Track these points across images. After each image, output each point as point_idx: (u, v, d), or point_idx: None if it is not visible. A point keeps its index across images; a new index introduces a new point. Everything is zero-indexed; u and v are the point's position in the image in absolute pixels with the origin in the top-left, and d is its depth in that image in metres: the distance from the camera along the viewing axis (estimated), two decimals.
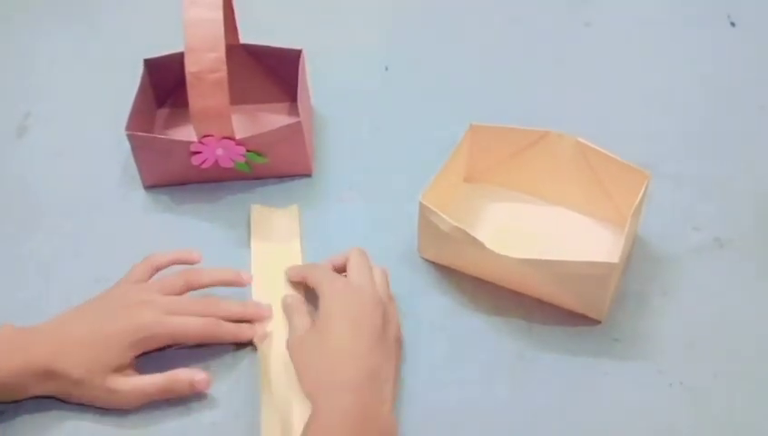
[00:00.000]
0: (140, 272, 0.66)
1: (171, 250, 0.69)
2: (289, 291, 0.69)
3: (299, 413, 0.59)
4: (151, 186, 0.80)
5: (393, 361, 0.61)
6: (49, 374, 0.60)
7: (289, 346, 0.62)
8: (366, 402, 0.56)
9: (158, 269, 0.67)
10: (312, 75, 0.86)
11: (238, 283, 0.67)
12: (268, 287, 0.70)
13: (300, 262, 0.72)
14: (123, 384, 0.61)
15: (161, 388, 0.61)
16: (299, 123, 0.76)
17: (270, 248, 0.73)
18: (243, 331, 0.65)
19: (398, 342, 0.63)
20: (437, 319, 0.68)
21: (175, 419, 0.62)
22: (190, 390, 0.62)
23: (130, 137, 0.76)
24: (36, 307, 0.70)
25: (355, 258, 0.66)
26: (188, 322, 0.63)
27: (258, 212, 0.76)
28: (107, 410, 0.61)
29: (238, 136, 0.74)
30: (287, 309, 0.66)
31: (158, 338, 0.63)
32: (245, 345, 0.66)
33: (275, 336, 0.66)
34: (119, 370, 0.61)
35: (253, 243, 0.74)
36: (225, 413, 0.62)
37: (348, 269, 0.66)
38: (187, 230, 0.77)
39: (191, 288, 0.66)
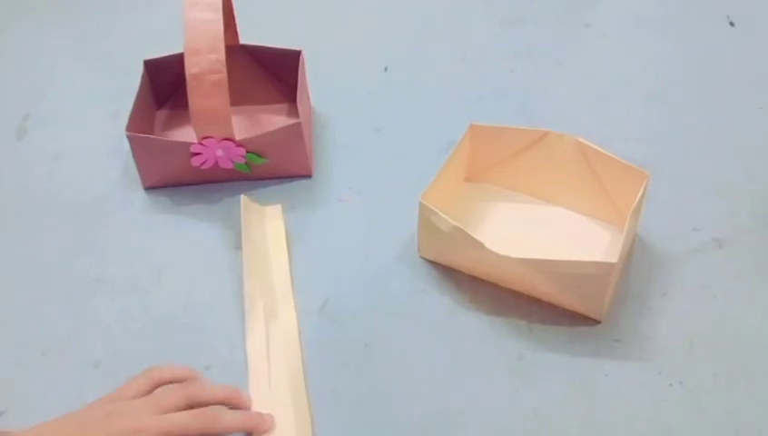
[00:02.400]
0: (138, 388, 0.58)
1: (170, 366, 0.61)
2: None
3: None
4: (150, 187, 0.80)
5: None
6: None
7: None
8: None
9: (158, 385, 0.59)
10: (312, 76, 0.87)
11: (237, 404, 0.61)
12: (256, 291, 0.70)
13: (285, 259, 0.72)
14: None
15: None
16: (298, 124, 0.76)
17: (257, 249, 0.73)
18: (253, 422, 0.60)
19: None
20: (436, 319, 0.68)
21: None
22: None
23: (130, 138, 0.76)
24: (36, 308, 0.71)
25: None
26: (184, 422, 0.56)
27: (246, 204, 0.75)
28: None
29: (238, 137, 0.74)
30: None
31: None
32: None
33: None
34: None
35: (244, 243, 0.73)
36: None
37: None
38: (186, 231, 0.77)
39: (192, 405, 0.57)
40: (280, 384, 0.63)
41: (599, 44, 0.98)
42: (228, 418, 0.58)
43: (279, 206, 0.77)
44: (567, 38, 0.99)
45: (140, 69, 0.83)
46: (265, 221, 0.75)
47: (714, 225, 0.74)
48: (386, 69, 0.95)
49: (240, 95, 0.83)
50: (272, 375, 0.64)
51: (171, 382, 0.60)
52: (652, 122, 0.86)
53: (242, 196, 0.75)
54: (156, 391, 0.59)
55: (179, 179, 0.79)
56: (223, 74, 0.70)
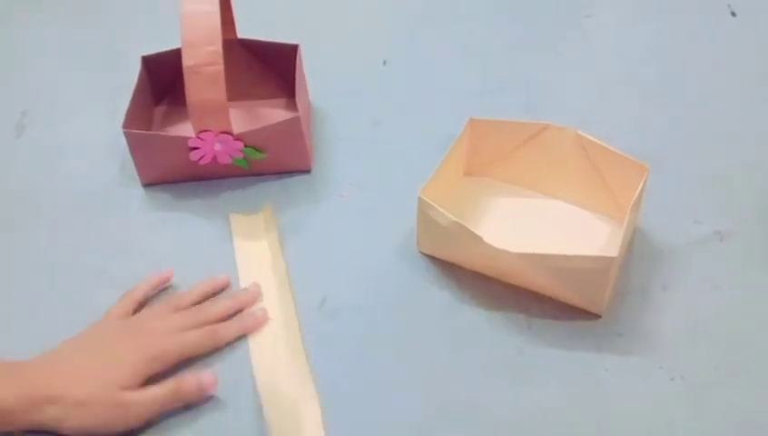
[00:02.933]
0: (123, 308, 0.66)
1: (144, 279, 0.69)
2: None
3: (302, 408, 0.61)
4: (149, 184, 0.80)
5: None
6: (49, 399, 0.58)
7: None
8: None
9: (140, 302, 0.67)
10: (310, 70, 0.86)
11: (219, 288, 0.69)
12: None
13: (281, 258, 0.72)
14: (133, 397, 0.60)
15: (169, 395, 0.61)
16: (297, 118, 0.76)
17: (252, 253, 0.73)
18: (246, 324, 0.67)
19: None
20: (436, 314, 0.68)
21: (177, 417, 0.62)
22: (198, 392, 0.62)
23: (127, 135, 0.76)
24: (36, 305, 0.70)
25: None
26: (188, 337, 0.64)
27: (235, 220, 0.76)
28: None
29: (236, 132, 0.74)
30: None
31: (167, 356, 0.63)
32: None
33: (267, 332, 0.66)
34: (129, 390, 0.60)
35: (237, 253, 0.73)
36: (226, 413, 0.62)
37: None
38: (185, 227, 0.76)
39: (179, 310, 0.67)
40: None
41: (600, 36, 0.97)
42: (231, 330, 0.66)
43: (269, 211, 0.77)
44: (567, 30, 0.98)
45: (137, 65, 0.83)
46: (257, 231, 0.75)
47: (716, 218, 0.74)
48: (384, 63, 0.94)
49: (238, 90, 0.83)
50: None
51: (152, 293, 0.68)
52: (652, 114, 0.86)
53: (231, 215, 0.76)
54: (174, 318, 0.66)
55: (177, 175, 0.79)
56: (220, 66, 0.70)
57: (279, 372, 0.64)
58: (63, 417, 0.58)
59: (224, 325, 0.66)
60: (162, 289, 0.70)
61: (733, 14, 0.98)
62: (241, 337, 0.66)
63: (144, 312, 0.67)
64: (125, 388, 0.60)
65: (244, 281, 0.71)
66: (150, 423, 0.60)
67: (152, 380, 0.61)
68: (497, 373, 0.64)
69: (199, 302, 0.68)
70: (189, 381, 0.62)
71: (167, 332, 0.64)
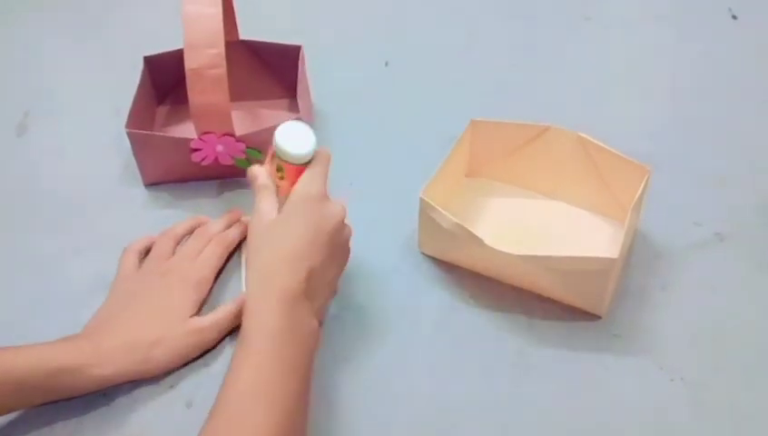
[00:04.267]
0: (129, 263, 0.70)
1: (180, 222, 0.74)
2: None
3: None
4: (151, 184, 0.80)
5: (337, 265, 0.65)
6: (122, 346, 0.62)
7: (250, 227, 0.64)
8: (293, 321, 0.58)
9: (178, 241, 0.72)
10: (312, 71, 0.86)
11: (235, 218, 0.75)
12: None
13: None
14: (204, 322, 0.65)
15: (234, 314, 0.65)
16: (299, 119, 0.76)
17: None
18: (242, 229, 0.73)
19: (347, 248, 0.67)
20: (437, 314, 0.68)
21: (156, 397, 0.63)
22: None
23: (130, 135, 0.76)
24: (38, 305, 0.71)
25: (322, 165, 0.65)
26: (208, 253, 0.70)
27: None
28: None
29: (238, 133, 0.74)
30: (258, 187, 0.65)
31: (205, 278, 0.69)
32: None
33: None
34: (192, 318, 0.65)
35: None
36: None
37: (313, 174, 0.65)
38: None
39: (177, 241, 0.72)
40: None
41: (600, 38, 0.98)
42: (234, 232, 0.73)
43: None
44: (568, 32, 0.99)
45: (140, 65, 0.83)
46: None
47: (716, 220, 0.74)
48: (386, 64, 0.94)
49: (240, 91, 0.83)
50: None
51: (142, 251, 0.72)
52: (653, 116, 0.86)
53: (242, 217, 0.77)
54: (181, 248, 0.71)
55: (179, 175, 0.79)
56: (223, 69, 0.70)
57: None
58: (142, 360, 0.62)
59: (228, 233, 0.72)
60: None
61: (734, 16, 0.98)
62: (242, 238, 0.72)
63: (151, 257, 0.71)
64: (189, 318, 0.65)
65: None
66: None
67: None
68: (497, 374, 0.64)
69: (190, 230, 0.73)
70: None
71: (187, 261, 0.69)
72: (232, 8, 0.82)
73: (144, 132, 0.78)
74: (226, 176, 0.80)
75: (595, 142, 0.71)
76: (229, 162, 0.76)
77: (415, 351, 0.66)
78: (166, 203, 0.79)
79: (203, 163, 0.76)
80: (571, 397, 0.62)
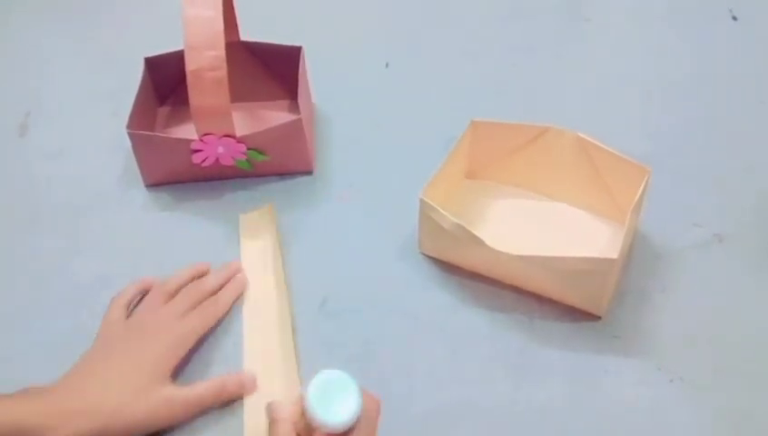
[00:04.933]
0: (116, 312, 0.67)
1: (128, 285, 0.69)
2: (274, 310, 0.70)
3: None
4: (152, 185, 0.80)
5: None
6: (82, 411, 0.58)
7: None
8: None
9: (130, 304, 0.68)
10: (313, 72, 0.86)
11: (200, 272, 0.71)
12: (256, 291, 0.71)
13: (279, 259, 0.73)
14: (180, 393, 0.61)
15: (215, 393, 0.62)
16: (299, 120, 0.76)
17: (253, 252, 0.74)
18: (237, 288, 0.70)
19: None
20: (437, 315, 0.68)
21: None
22: (239, 391, 0.63)
23: (131, 136, 0.76)
24: (38, 305, 0.71)
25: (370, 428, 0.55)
26: (192, 318, 0.66)
27: (243, 220, 0.77)
28: None
29: (239, 134, 0.74)
30: (273, 421, 0.56)
31: (183, 342, 0.64)
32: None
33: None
34: (164, 384, 0.61)
35: (242, 252, 0.74)
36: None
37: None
38: (188, 228, 0.77)
39: (170, 297, 0.68)
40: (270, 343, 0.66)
41: (600, 39, 0.98)
42: (226, 297, 0.69)
43: (268, 209, 0.77)
44: (568, 33, 0.99)
45: (141, 66, 0.83)
46: (259, 229, 0.76)
47: (715, 221, 0.74)
48: (387, 65, 0.95)
49: (240, 92, 0.83)
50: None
51: (134, 299, 0.69)
52: (653, 117, 0.86)
53: (240, 216, 0.76)
54: (170, 305, 0.67)
55: (180, 176, 0.79)
56: (223, 71, 0.70)
57: (267, 376, 0.65)
58: (103, 426, 0.58)
59: (220, 296, 0.69)
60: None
61: (734, 17, 0.98)
62: (236, 301, 0.69)
63: (139, 310, 0.67)
64: (162, 383, 0.61)
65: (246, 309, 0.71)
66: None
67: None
68: (498, 374, 0.64)
69: (188, 282, 0.70)
70: (232, 380, 0.63)
71: (172, 320, 0.65)
72: (233, 9, 0.82)
73: (145, 133, 0.78)
74: (227, 177, 0.80)
75: (595, 142, 0.71)
76: (230, 163, 0.76)
77: (415, 352, 0.66)
78: (167, 204, 0.79)
79: (204, 165, 0.76)
80: (571, 397, 0.63)
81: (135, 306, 0.68)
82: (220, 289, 0.70)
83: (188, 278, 0.70)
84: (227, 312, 0.69)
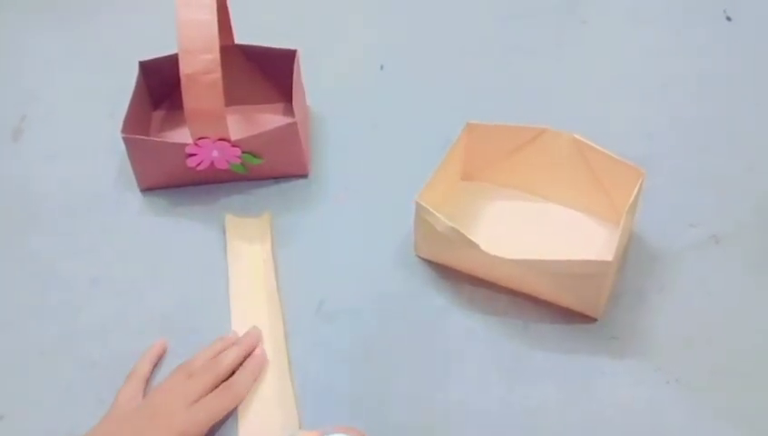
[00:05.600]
0: (132, 391, 0.63)
1: (141, 356, 0.66)
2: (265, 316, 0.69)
3: None
4: (147, 189, 0.80)
5: None
6: None
7: None
8: None
9: (146, 380, 0.65)
10: (308, 75, 0.86)
11: (254, 344, 0.67)
12: (245, 302, 0.70)
13: (272, 270, 0.72)
14: None
15: None
16: (294, 123, 0.76)
17: (243, 261, 0.73)
18: (254, 370, 0.65)
19: None
20: (433, 318, 0.68)
21: None
22: None
23: (125, 140, 0.76)
24: (34, 309, 0.71)
25: None
26: (207, 405, 0.62)
27: (231, 222, 0.76)
28: None
29: (233, 137, 0.74)
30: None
31: (195, 430, 0.61)
32: None
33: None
34: None
35: (229, 257, 0.73)
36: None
37: None
38: (183, 232, 0.77)
39: (220, 380, 0.64)
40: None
41: (596, 41, 0.98)
42: (244, 383, 0.64)
43: (267, 218, 0.76)
44: (564, 35, 0.99)
45: (135, 70, 0.83)
46: (252, 236, 0.75)
47: (711, 221, 0.74)
48: (382, 67, 0.94)
49: (235, 95, 0.83)
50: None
51: (149, 373, 0.65)
52: (648, 118, 0.86)
53: (227, 216, 0.76)
54: (186, 386, 0.63)
55: (175, 180, 0.79)
56: (218, 75, 0.70)
57: (260, 387, 0.64)
58: None
59: (236, 381, 0.64)
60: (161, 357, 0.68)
61: (729, 18, 0.98)
62: (252, 385, 0.64)
63: (157, 390, 0.63)
64: None
65: (234, 286, 0.71)
66: None
67: None
68: (493, 377, 0.64)
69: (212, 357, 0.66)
70: None
71: (186, 405, 0.61)
72: (227, 13, 0.82)
73: (140, 137, 0.78)
74: (222, 181, 0.80)
75: (591, 144, 0.71)
76: (225, 166, 0.76)
77: (411, 355, 0.66)
78: (162, 207, 0.79)
79: (199, 168, 0.76)
80: (567, 400, 0.63)
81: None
82: (240, 362, 0.65)
83: (212, 356, 0.65)
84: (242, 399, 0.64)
